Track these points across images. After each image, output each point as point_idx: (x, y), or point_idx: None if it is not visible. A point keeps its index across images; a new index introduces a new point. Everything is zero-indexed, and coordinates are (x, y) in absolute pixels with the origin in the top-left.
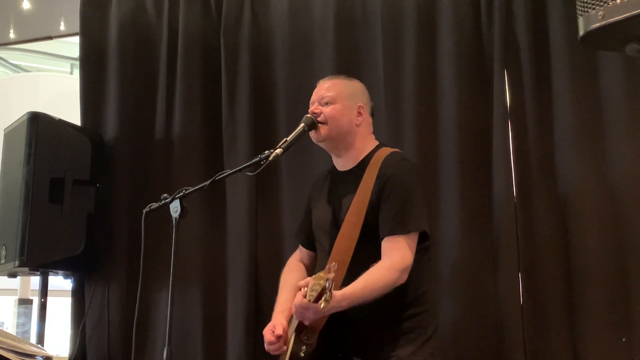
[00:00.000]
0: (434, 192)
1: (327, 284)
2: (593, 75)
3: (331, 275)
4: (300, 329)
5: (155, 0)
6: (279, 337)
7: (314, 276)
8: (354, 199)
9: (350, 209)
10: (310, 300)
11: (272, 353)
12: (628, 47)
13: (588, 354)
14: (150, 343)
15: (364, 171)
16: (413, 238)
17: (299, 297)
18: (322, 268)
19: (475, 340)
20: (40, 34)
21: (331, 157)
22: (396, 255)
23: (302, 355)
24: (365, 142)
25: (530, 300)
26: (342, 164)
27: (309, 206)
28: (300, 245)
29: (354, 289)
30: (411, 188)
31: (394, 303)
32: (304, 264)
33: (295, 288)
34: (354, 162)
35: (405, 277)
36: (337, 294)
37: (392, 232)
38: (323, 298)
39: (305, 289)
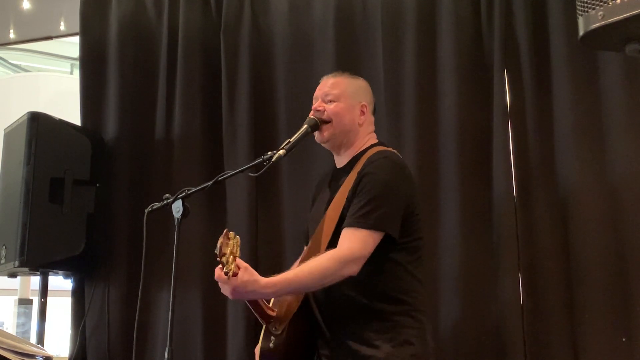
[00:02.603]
0: (434, 192)
1: (216, 251)
2: (593, 75)
3: (219, 241)
4: (267, 319)
5: (155, 0)
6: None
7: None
8: (336, 195)
9: (331, 204)
10: (227, 275)
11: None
12: (628, 47)
13: (588, 354)
14: (150, 343)
15: (352, 168)
16: (373, 235)
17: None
18: None
19: (476, 340)
20: (40, 34)
21: (333, 155)
22: (344, 246)
23: (272, 346)
24: (364, 141)
25: (530, 300)
26: (341, 161)
27: (311, 207)
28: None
29: (285, 277)
30: (385, 187)
31: (366, 298)
32: None
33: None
34: (348, 159)
35: (354, 269)
36: (263, 280)
37: (351, 225)
38: (227, 267)
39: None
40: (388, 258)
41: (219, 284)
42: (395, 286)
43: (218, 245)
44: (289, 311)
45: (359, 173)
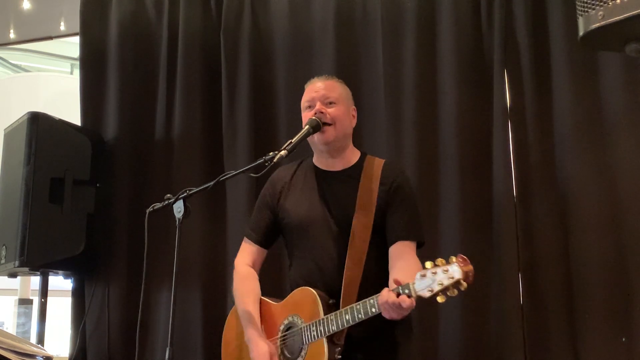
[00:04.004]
0: (434, 192)
1: (469, 278)
2: (593, 75)
3: (470, 268)
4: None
5: (155, 1)
6: None
7: (423, 271)
8: (359, 201)
9: (357, 211)
10: (416, 297)
11: None
12: (628, 47)
13: (588, 354)
14: (150, 343)
15: (359, 174)
16: (415, 246)
17: (397, 298)
18: (303, 266)
19: (476, 340)
20: (40, 34)
21: (316, 155)
22: (416, 260)
23: (339, 357)
24: (352, 145)
25: (530, 300)
26: (331, 164)
27: (274, 202)
28: (253, 244)
29: None
30: (415, 200)
31: None
32: (255, 267)
33: (258, 297)
34: (345, 164)
35: None
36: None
37: (407, 237)
38: (447, 293)
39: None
40: None
41: (387, 306)
42: None
43: (470, 273)
44: None
45: (384, 182)
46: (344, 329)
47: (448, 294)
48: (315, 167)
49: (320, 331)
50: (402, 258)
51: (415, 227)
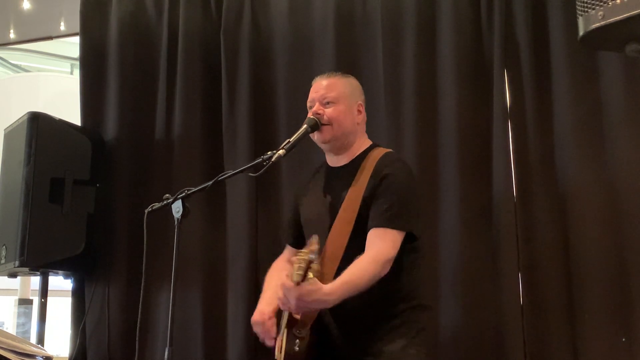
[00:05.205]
0: (434, 192)
1: (312, 256)
2: (593, 75)
3: (314, 247)
4: (292, 323)
5: (155, 1)
6: (266, 319)
7: (295, 258)
8: (347, 195)
9: (343, 205)
10: (297, 282)
11: (261, 334)
12: (628, 47)
13: (588, 354)
14: (150, 343)
15: (357, 168)
16: (400, 235)
17: (283, 280)
18: None
19: (476, 340)
20: (40, 34)
21: (325, 153)
22: (380, 247)
23: (297, 349)
24: (362, 140)
25: (530, 300)
26: (337, 160)
27: (296, 204)
28: (287, 246)
29: (341, 282)
30: (406, 189)
31: (386, 299)
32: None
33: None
34: (349, 159)
35: (387, 269)
36: (325, 288)
37: (381, 225)
38: (308, 274)
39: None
40: (401, 258)
41: (282, 298)
42: (405, 284)
43: (315, 251)
44: (313, 314)
45: (375, 175)
46: (308, 324)
47: (311, 271)
48: (327, 165)
49: (283, 322)
50: (368, 246)
51: (397, 215)
